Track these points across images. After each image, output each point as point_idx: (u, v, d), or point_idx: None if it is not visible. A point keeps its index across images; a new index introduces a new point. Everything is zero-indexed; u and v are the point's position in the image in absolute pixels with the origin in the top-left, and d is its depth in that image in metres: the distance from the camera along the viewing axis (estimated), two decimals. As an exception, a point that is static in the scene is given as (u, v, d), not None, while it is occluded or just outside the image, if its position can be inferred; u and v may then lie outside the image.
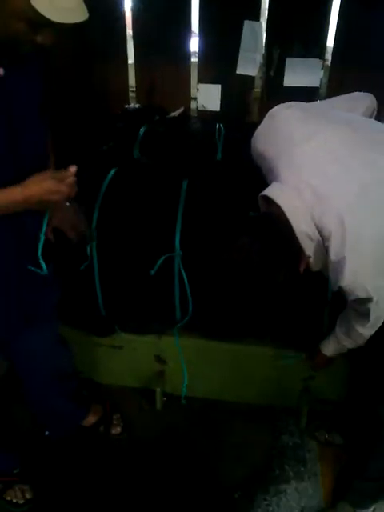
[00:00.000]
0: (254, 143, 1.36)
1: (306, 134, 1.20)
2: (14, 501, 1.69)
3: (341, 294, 1.25)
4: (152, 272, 1.62)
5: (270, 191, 1.21)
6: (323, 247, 1.17)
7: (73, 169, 1.19)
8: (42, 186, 1.15)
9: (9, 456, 1.72)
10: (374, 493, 1.63)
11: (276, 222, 1.17)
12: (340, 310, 1.55)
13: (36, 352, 1.59)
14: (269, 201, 1.21)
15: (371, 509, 1.66)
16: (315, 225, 1.14)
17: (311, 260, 1.20)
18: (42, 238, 1.33)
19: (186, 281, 1.64)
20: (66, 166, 1.20)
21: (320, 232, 1.14)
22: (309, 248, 1.17)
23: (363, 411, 1.65)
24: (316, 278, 1.60)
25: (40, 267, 1.33)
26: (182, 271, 1.63)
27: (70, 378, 1.80)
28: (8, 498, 1.69)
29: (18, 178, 1.15)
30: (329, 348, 1.57)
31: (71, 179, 1.19)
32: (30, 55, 1.13)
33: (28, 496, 1.69)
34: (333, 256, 1.13)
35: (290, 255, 1.19)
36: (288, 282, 1.22)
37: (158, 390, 2.00)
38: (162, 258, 1.60)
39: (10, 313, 1.39)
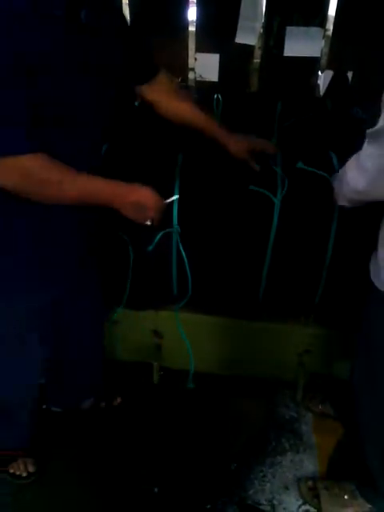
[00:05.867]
0: None
1: None
2: (18, 473, 1.71)
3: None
4: (150, 248, 1.60)
5: None
6: None
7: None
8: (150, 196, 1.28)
9: (16, 432, 1.72)
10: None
11: None
12: (338, 275, 1.50)
13: (88, 309, 1.67)
14: None
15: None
16: None
17: None
18: None
19: (185, 258, 1.62)
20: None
21: None
22: None
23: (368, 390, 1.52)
24: (315, 240, 1.60)
25: None
26: (181, 247, 1.62)
27: None
28: (11, 471, 1.71)
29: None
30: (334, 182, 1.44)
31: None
32: None
33: (31, 469, 1.71)
34: None
35: None
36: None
37: (155, 363, 2.02)
38: (160, 234, 1.59)
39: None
